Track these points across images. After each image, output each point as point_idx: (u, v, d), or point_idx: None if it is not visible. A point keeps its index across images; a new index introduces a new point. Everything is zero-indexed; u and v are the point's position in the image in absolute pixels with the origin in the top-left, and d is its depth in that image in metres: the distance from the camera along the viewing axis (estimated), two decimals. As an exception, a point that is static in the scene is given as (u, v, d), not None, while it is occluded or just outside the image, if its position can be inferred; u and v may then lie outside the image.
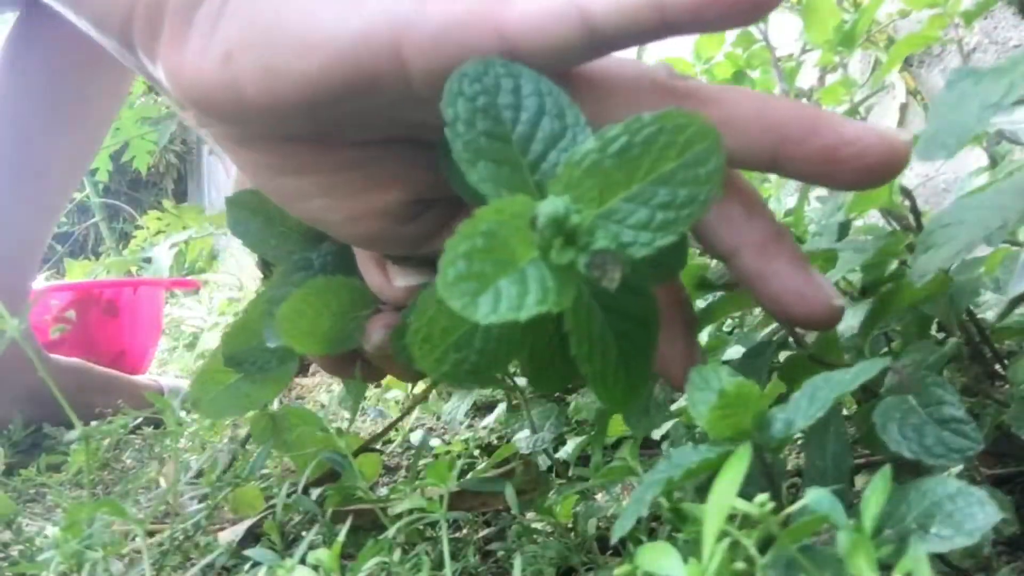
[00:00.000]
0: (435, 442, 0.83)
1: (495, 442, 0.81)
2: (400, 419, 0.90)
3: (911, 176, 0.85)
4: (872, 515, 0.25)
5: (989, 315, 0.48)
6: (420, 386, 1.05)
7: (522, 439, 0.67)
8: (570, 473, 0.61)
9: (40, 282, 2.05)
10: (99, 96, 1.06)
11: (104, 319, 1.47)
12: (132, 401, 1.01)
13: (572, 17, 0.29)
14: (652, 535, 0.44)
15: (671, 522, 0.38)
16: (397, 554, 0.45)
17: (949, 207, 0.36)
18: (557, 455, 0.67)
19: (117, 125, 3.67)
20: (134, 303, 1.52)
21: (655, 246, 0.27)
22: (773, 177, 0.74)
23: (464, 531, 0.56)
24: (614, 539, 0.32)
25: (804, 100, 0.82)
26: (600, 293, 0.30)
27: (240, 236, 0.47)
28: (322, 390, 1.34)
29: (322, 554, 0.41)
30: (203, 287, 2.60)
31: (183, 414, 0.91)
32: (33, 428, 1.03)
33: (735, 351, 0.48)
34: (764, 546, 0.26)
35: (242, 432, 0.82)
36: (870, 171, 0.30)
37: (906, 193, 0.44)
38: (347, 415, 1.00)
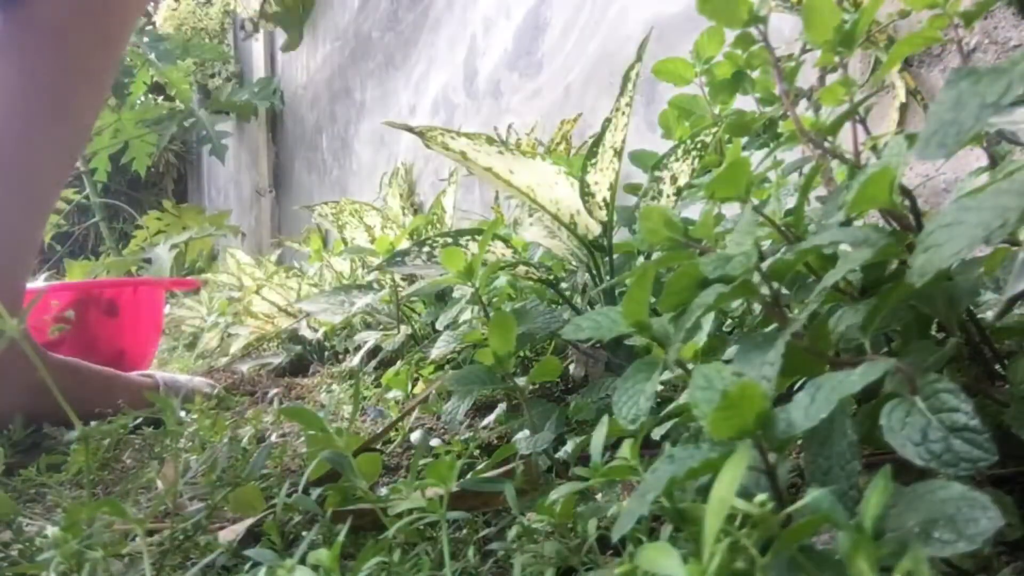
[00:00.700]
0: (435, 442, 0.83)
1: (495, 442, 0.81)
2: (400, 419, 0.90)
3: (911, 176, 0.85)
4: (873, 515, 0.25)
5: (989, 315, 0.48)
6: (420, 386, 1.05)
7: (522, 439, 0.67)
8: (570, 473, 0.61)
9: (40, 282, 2.04)
10: (85, 85, 1.06)
11: (104, 319, 1.47)
12: (129, 399, 1.01)
13: None
14: (652, 535, 0.44)
15: (672, 522, 0.38)
16: (397, 554, 0.45)
17: (949, 207, 0.36)
18: (557, 455, 0.67)
19: (117, 127, 3.67)
20: (134, 303, 1.53)
21: None
22: (773, 177, 0.74)
23: (464, 531, 0.56)
24: (614, 539, 0.32)
25: (804, 101, 0.82)
26: None
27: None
28: (322, 390, 1.34)
29: (322, 554, 0.41)
30: (203, 287, 2.59)
31: (183, 414, 0.91)
32: (33, 428, 1.03)
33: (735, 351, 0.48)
34: (764, 546, 0.26)
35: (242, 432, 0.82)
36: None
37: (906, 193, 0.44)
38: (347, 415, 1.00)
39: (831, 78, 0.61)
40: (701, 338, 0.52)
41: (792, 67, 0.72)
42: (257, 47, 4.14)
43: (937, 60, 0.85)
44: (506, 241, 0.88)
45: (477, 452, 0.73)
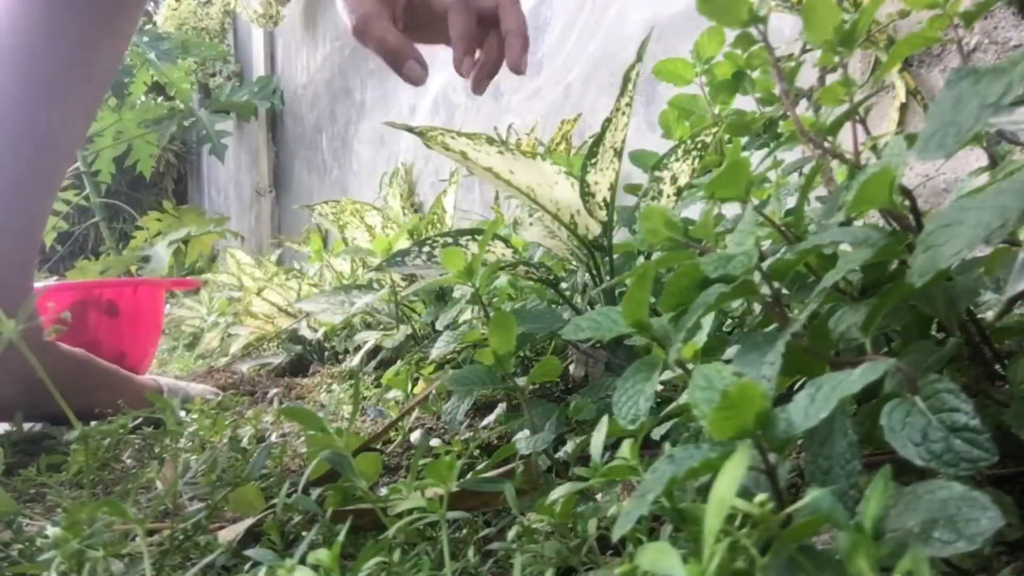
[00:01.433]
0: (435, 442, 0.83)
1: (495, 442, 0.81)
2: (400, 419, 0.90)
3: (911, 176, 0.85)
4: (873, 515, 0.25)
5: (989, 315, 0.48)
6: (420, 386, 1.05)
7: (522, 439, 0.67)
8: (570, 473, 0.61)
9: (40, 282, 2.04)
10: (100, 54, 1.05)
11: (104, 319, 1.47)
12: (130, 397, 1.01)
13: None
14: (652, 535, 0.44)
15: (672, 522, 0.38)
16: (397, 554, 0.45)
17: (949, 207, 0.36)
18: (557, 455, 0.67)
19: (118, 127, 3.67)
20: (134, 303, 1.53)
21: None
22: (773, 177, 0.74)
23: (464, 531, 0.56)
24: (614, 539, 0.32)
25: (804, 101, 0.82)
26: None
27: None
28: (322, 390, 1.34)
29: (322, 554, 0.41)
30: (203, 287, 2.59)
31: (182, 413, 0.91)
32: (32, 426, 1.03)
33: (735, 351, 0.48)
34: (764, 546, 0.26)
35: (242, 432, 0.82)
36: None
37: (906, 193, 0.44)
38: (347, 415, 1.00)
39: (831, 78, 0.61)
40: (701, 338, 0.52)
41: (792, 67, 0.72)
42: (257, 46, 4.14)
43: (937, 60, 0.85)
44: (506, 241, 0.88)
45: (477, 452, 0.73)
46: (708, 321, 0.53)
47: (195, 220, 3.95)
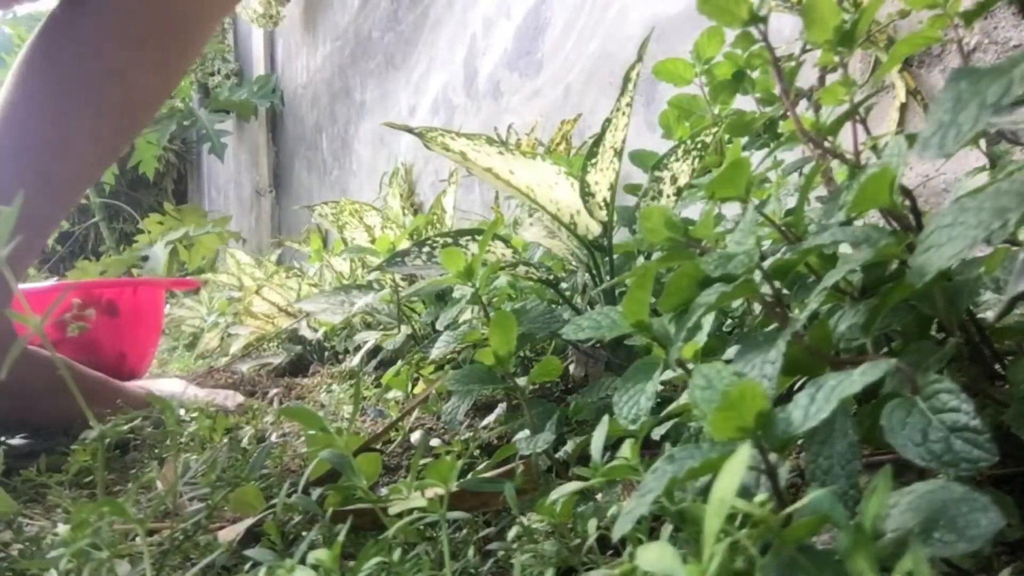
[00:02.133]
0: (435, 442, 0.83)
1: (495, 442, 0.81)
2: (400, 419, 0.90)
3: (911, 176, 0.85)
4: (873, 515, 0.25)
5: (989, 315, 0.48)
6: (420, 386, 1.05)
7: (522, 439, 0.67)
8: (570, 473, 0.61)
9: (40, 282, 2.04)
10: (139, 79, 1.05)
11: (105, 320, 1.47)
12: (113, 408, 1.00)
13: None
14: (652, 535, 0.44)
15: (672, 522, 0.38)
16: (397, 554, 0.45)
17: (949, 207, 0.36)
18: (557, 455, 0.67)
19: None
20: (134, 303, 1.53)
21: None
22: (773, 176, 0.73)
23: (464, 531, 0.56)
24: (614, 539, 0.32)
25: (804, 101, 0.82)
26: None
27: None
28: (322, 390, 1.34)
29: (322, 554, 0.41)
30: (203, 287, 2.59)
31: (182, 412, 0.91)
32: (28, 433, 1.02)
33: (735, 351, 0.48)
34: (764, 546, 0.26)
35: (242, 433, 0.82)
36: None
37: (906, 193, 0.44)
38: (347, 415, 1.00)
39: (831, 78, 0.61)
40: (701, 338, 0.52)
41: (792, 67, 0.72)
42: (257, 46, 4.14)
43: (937, 60, 0.85)
44: (506, 241, 0.88)
45: (477, 452, 0.73)
46: (708, 321, 0.53)
47: (196, 221, 3.95)
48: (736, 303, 0.69)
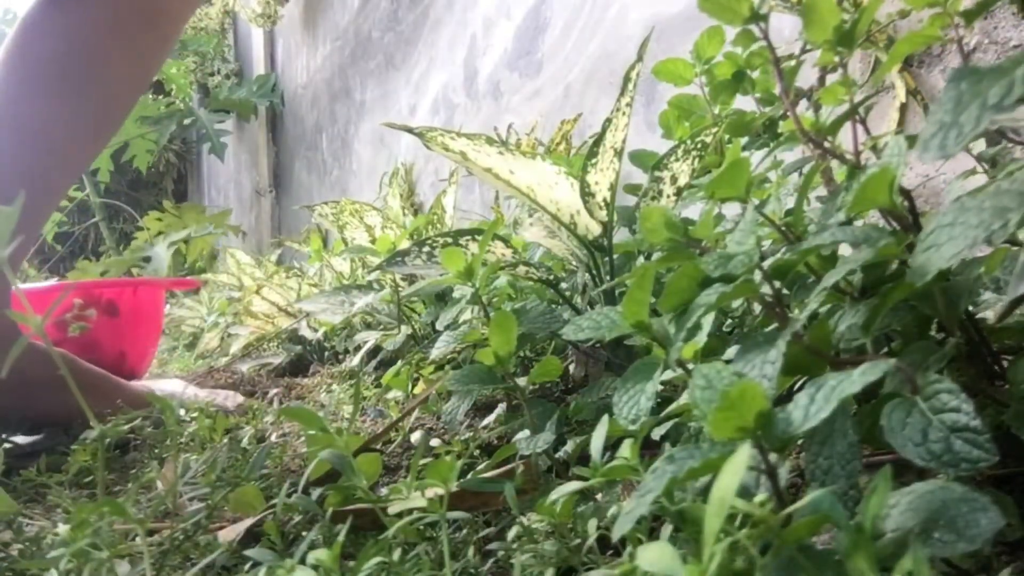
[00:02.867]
0: (435, 442, 0.83)
1: (495, 442, 0.81)
2: (401, 420, 0.90)
3: (911, 176, 0.85)
4: (873, 515, 0.25)
5: (989, 315, 0.48)
6: (420, 386, 1.05)
7: (522, 439, 0.67)
8: (570, 473, 0.61)
9: (40, 282, 2.04)
10: (117, 69, 1.05)
11: (105, 320, 1.47)
12: (112, 406, 1.00)
13: None
14: (652, 535, 0.44)
15: (672, 522, 0.38)
16: (397, 554, 0.45)
17: (949, 207, 0.36)
18: (557, 455, 0.67)
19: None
20: (134, 303, 1.53)
21: None
22: (773, 176, 0.73)
23: (464, 531, 0.56)
24: (614, 539, 0.32)
25: (804, 101, 0.82)
26: None
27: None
28: (322, 390, 1.34)
29: (322, 554, 0.41)
30: (203, 287, 2.59)
31: (182, 412, 0.91)
32: (28, 429, 1.02)
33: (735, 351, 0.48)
34: (764, 546, 0.26)
35: (242, 433, 0.82)
36: None
37: (904, 194, 0.44)
38: (347, 415, 1.00)
39: (831, 78, 0.61)
40: (701, 338, 0.52)
41: (792, 67, 0.72)
42: (257, 47, 4.14)
43: (937, 60, 0.85)
44: (506, 241, 0.88)
45: (477, 452, 0.73)
46: (708, 321, 0.53)
47: (195, 219, 3.94)
48: (736, 303, 0.69)
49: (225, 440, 0.76)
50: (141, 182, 5.72)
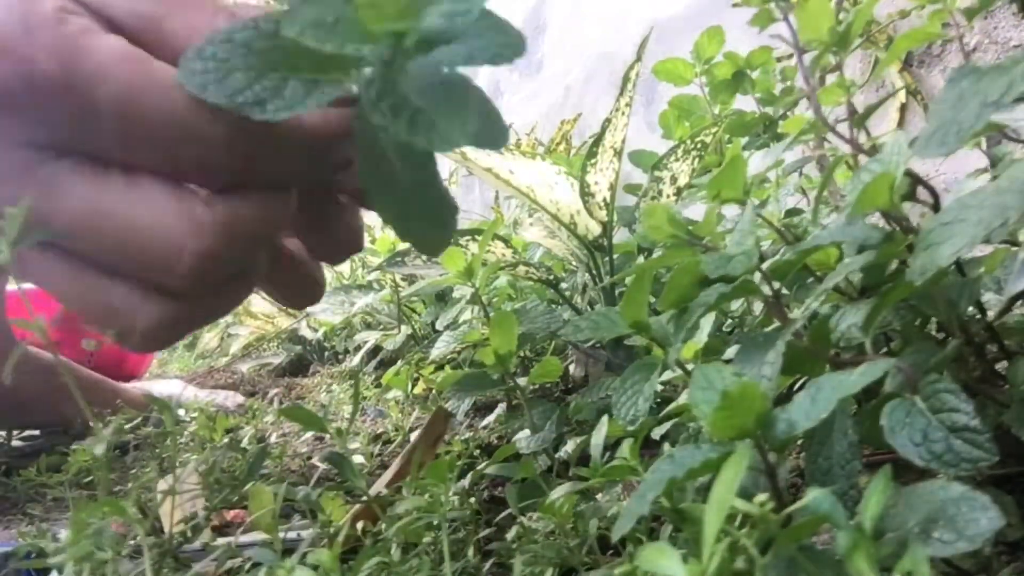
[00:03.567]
0: (435, 442, 0.83)
1: (495, 442, 0.81)
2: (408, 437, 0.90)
3: (911, 176, 0.85)
4: (872, 515, 0.24)
5: (989, 315, 0.48)
6: (420, 386, 1.05)
7: (522, 439, 0.67)
8: (570, 473, 0.61)
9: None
10: None
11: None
12: (112, 408, 0.99)
13: None
14: (652, 535, 0.44)
15: (672, 522, 0.38)
16: (397, 554, 0.45)
17: (949, 206, 0.36)
18: (557, 455, 0.67)
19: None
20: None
21: None
22: (773, 176, 0.73)
23: (464, 531, 0.56)
24: (614, 539, 0.32)
25: (804, 101, 0.82)
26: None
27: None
28: (322, 390, 1.34)
29: (322, 554, 0.41)
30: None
31: (182, 413, 0.91)
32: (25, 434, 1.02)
33: (735, 351, 0.48)
34: (764, 546, 0.26)
35: (242, 433, 0.82)
36: None
37: (927, 187, 0.44)
38: (347, 415, 1.00)
39: (831, 78, 0.61)
40: (701, 338, 0.52)
41: (792, 67, 0.72)
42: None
43: (937, 60, 0.85)
44: (506, 241, 0.88)
45: (477, 452, 0.73)
46: (708, 321, 0.53)
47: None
48: (736, 303, 0.69)
49: (225, 440, 0.76)
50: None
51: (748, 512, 0.25)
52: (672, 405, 0.55)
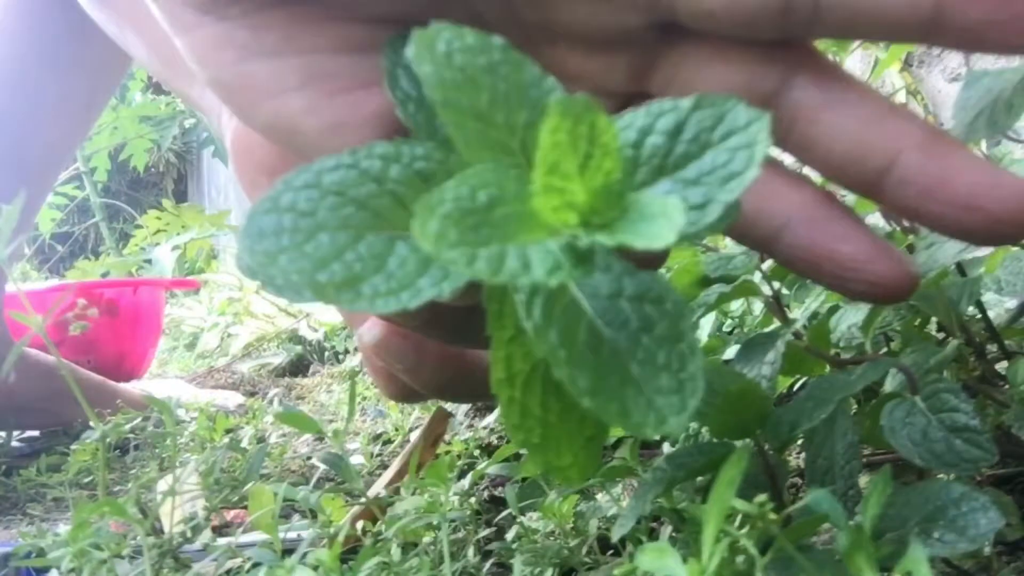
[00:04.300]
0: (435, 442, 0.83)
1: (495, 442, 0.81)
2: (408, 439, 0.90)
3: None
4: (872, 515, 0.24)
5: (991, 315, 0.48)
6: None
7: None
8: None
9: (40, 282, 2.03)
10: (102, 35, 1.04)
11: (105, 320, 1.47)
12: (113, 408, 0.99)
13: None
14: (652, 535, 0.44)
15: (672, 522, 0.38)
16: (397, 554, 0.45)
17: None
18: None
19: (115, 124, 3.66)
20: (134, 303, 1.52)
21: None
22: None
23: (464, 531, 0.56)
24: (614, 539, 0.32)
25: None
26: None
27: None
28: (322, 390, 1.34)
29: (322, 554, 0.41)
30: (203, 287, 2.59)
31: (182, 413, 0.91)
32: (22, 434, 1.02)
33: (735, 351, 0.48)
34: (764, 546, 0.26)
35: (242, 433, 0.82)
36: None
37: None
38: (346, 415, 1.00)
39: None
40: (701, 338, 0.52)
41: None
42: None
43: (937, 60, 0.85)
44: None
45: (477, 452, 0.73)
46: (708, 321, 0.53)
47: (195, 218, 3.94)
48: (736, 303, 0.69)
49: (225, 440, 0.76)
50: (141, 182, 5.72)
51: (748, 512, 0.25)
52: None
